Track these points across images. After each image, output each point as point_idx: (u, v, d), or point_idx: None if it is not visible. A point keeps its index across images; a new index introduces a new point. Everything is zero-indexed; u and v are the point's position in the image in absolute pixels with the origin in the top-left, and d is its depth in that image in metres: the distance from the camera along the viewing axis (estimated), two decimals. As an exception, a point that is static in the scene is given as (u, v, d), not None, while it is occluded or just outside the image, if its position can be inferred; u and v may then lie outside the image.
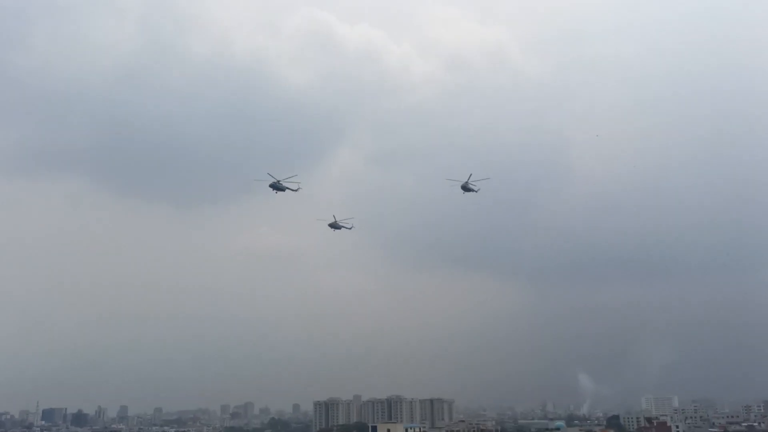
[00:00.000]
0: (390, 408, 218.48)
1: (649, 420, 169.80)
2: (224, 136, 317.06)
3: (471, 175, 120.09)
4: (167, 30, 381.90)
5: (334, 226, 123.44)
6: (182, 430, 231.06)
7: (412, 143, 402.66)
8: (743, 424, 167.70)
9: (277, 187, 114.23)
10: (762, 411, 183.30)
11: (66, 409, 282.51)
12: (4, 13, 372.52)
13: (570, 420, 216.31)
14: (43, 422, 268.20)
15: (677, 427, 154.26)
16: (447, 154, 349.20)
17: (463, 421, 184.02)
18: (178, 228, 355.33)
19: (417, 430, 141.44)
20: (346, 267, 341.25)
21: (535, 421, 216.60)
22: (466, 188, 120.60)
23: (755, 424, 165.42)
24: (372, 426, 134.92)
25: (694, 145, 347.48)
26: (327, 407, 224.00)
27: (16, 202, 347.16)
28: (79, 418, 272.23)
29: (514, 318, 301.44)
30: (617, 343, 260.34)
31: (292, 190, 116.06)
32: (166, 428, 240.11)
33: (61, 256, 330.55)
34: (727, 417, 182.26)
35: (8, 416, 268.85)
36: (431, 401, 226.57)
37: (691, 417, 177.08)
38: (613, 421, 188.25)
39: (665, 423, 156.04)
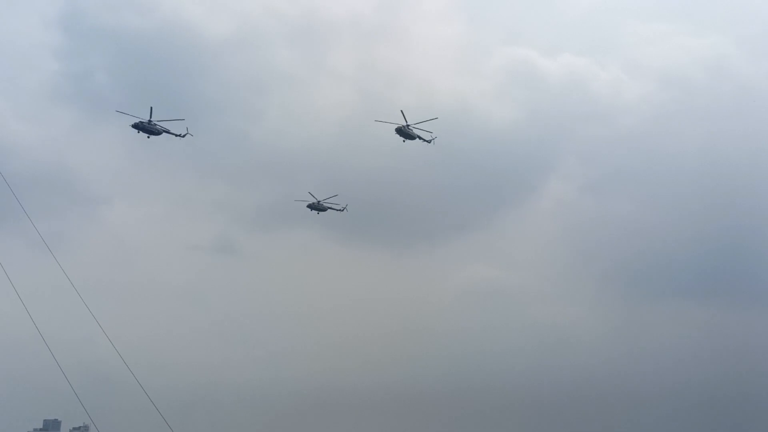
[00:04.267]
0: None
1: None
2: (435, 179, 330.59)
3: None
4: (378, 87, 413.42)
5: (316, 207, 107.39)
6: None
7: (629, 168, 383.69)
8: None
9: (143, 128, 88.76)
10: None
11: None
12: (246, 89, 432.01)
13: None
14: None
15: None
16: (667, 177, 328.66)
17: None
18: (397, 268, 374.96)
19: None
20: (562, 299, 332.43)
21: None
22: (405, 134, 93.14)
23: None
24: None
25: None
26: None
27: (257, 252, 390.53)
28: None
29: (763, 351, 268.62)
30: None
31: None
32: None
33: (295, 295, 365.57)
34: None
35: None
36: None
37: None
38: None
39: None
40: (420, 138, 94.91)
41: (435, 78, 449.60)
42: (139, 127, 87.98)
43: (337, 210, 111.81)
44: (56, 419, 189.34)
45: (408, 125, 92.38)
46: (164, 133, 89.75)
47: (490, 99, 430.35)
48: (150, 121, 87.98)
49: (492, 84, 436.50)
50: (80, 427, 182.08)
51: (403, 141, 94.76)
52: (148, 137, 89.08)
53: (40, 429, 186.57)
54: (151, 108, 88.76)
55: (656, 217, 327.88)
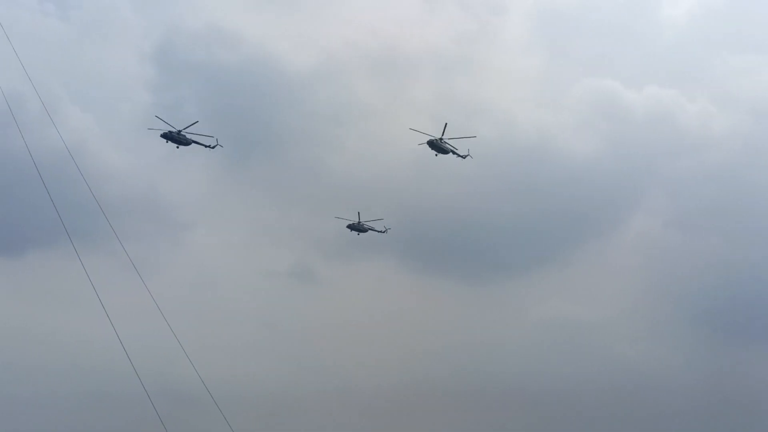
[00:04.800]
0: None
1: None
2: (514, 211, 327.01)
3: (446, 125, 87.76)
4: (456, 118, 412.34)
5: (356, 228, 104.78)
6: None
7: (718, 203, 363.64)
8: None
9: (171, 137, 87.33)
10: None
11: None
12: (324, 120, 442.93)
13: None
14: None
15: None
16: (760, 212, 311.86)
17: None
18: (472, 301, 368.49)
19: None
20: (648, 339, 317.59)
21: None
22: (438, 147, 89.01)
23: None
24: None
25: None
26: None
27: (334, 279, 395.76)
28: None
29: None
30: None
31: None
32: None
33: (371, 327, 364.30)
34: None
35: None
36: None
37: None
38: None
39: None
40: (453, 152, 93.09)
41: (515, 109, 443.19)
42: (167, 136, 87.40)
43: (378, 231, 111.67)
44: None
45: (441, 138, 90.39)
46: (193, 144, 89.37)
47: (572, 131, 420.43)
48: (179, 131, 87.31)
49: (574, 116, 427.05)
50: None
51: (436, 155, 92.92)
52: (177, 147, 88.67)
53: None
54: (157, 116, 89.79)
55: (748, 253, 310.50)
